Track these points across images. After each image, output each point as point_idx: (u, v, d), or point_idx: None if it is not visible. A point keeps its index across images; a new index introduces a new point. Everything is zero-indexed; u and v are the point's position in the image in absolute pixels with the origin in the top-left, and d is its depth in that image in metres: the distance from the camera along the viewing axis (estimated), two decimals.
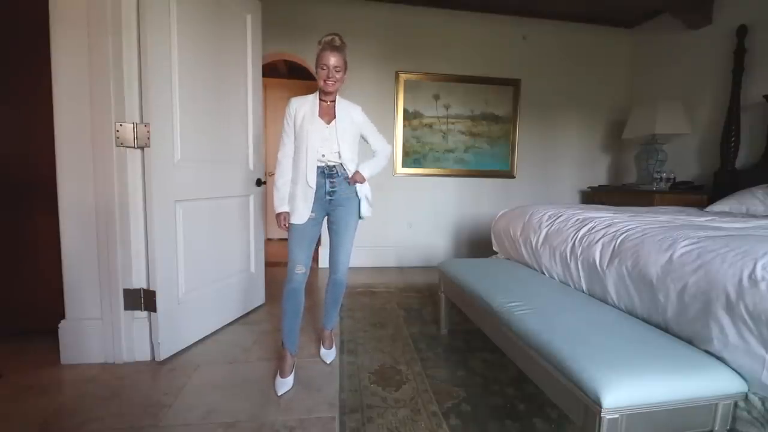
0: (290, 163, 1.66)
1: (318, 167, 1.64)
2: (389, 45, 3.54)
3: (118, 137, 1.69)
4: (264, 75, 2.50)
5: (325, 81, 1.59)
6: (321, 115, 1.65)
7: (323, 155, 1.64)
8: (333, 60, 1.57)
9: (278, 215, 1.66)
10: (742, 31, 2.75)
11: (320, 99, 1.67)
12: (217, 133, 2.11)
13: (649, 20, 3.66)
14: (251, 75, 2.35)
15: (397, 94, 3.60)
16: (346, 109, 1.70)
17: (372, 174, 1.75)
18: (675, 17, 3.23)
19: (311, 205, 1.64)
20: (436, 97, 3.67)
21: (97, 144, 1.69)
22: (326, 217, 1.76)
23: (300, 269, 1.64)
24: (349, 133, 1.68)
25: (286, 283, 1.65)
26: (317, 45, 1.60)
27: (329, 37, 1.59)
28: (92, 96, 1.67)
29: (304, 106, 1.64)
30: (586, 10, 3.53)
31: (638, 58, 3.84)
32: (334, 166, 1.67)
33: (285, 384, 1.61)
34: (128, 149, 1.71)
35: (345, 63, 1.61)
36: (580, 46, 3.82)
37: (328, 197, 1.68)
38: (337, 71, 1.59)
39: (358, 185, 1.72)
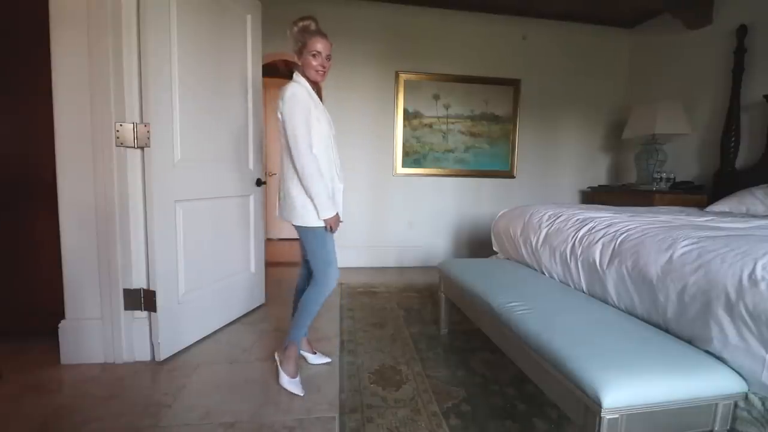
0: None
1: None
2: (389, 45, 3.54)
3: (118, 137, 1.69)
4: (264, 75, 2.50)
5: (317, 71, 1.46)
6: None
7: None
8: (326, 47, 1.45)
9: (329, 219, 1.48)
10: (742, 31, 2.75)
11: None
12: (217, 133, 2.10)
13: (648, 20, 3.66)
14: (251, 75, 2.35)
15: (397, 94, 3.59)
16: None
17: None
18: (674, 17, 3.22)
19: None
20: (436, 97, 3.67)
21: (97, 144, 1.69)
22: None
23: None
24: None
25: (328, 288, 1.57)
26: (292, 26, 1.46)
27: (310, 22, 1.45)
28: (92, 96, 1.67)
29: (311, 95, 1.52)
30: (586, 10, 3.53)
31: (638, 57, 3.84)
32: None
33: (299, 383, 1.59)
34: (128, 149, 1.71)
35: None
36: (580, 46, 3.82)
37: None
38: (328, 60, 1.47)
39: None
